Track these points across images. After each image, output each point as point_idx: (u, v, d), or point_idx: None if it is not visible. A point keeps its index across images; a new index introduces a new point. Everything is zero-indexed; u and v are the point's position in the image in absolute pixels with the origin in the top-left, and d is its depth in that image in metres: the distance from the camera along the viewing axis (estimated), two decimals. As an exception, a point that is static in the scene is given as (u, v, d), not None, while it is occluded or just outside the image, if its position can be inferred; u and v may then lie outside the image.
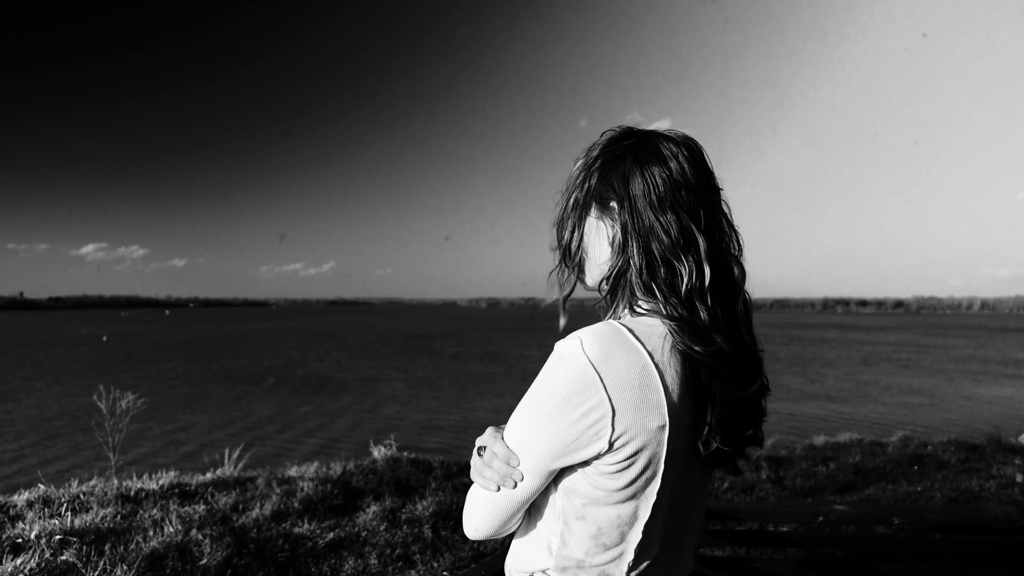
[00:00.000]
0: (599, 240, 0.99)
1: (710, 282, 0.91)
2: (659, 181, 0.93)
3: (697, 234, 0.92)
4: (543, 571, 0.98)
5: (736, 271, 0.97)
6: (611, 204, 0.96)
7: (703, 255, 0.91)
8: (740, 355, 0.91)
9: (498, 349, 55.87)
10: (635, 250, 0.93)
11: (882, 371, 35.15)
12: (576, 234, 1.00)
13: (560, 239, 1.03)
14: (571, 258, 1.02)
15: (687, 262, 0.91)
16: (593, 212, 0.99)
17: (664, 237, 0.91)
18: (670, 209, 0.92)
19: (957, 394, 25.63)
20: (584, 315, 1.03)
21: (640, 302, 0.94)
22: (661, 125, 1.01)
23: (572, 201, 1.01)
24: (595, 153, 1.00)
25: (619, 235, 0.95)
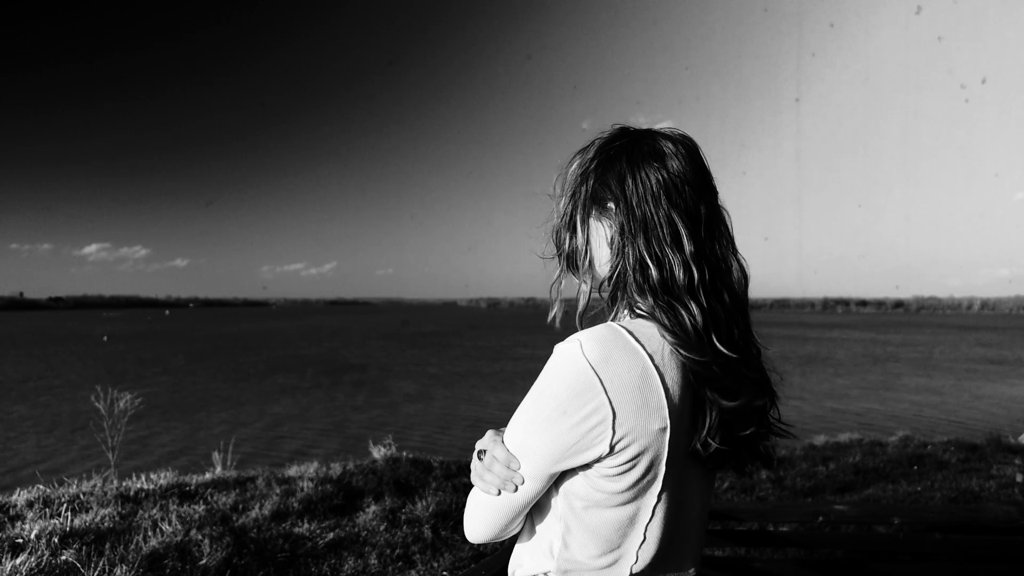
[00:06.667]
0: (599, 241, 0.98)
1: (705, 281, 0.91)
2: (653, 181, 0.93)
3: (690, 233, 0.91)
4: (545, 574, 0.98)
5: (736, 271, 0.97)
6: (608, 205, 0.96)
7: (695, 254, 0.91)
8: (733, 359, 0.90)
9: (502, 347, 55.88)
10: (631, 250, 0.93)
11: (887, 370, 35.14)
12: (577, 237, 1.00)
13: (560, 243, 1.03)
14: (574, 261, 1.01)
15: (679, 261, 0.90)
16: (592, 214, 0.98)
17: (658, 236, 0.91)
18: (665, 208, 0.92)
19: (962, 393, 25.62)
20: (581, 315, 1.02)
21: (639, 303, 0.93)
22: (663, 126, 1.01)
23: (571, 204, 1.00)
24: (590, 155, 1.00)
25: (617, 236, 0.95)
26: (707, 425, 0.90)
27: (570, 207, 1.00)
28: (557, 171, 1.04)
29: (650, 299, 0.91)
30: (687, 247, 0.91)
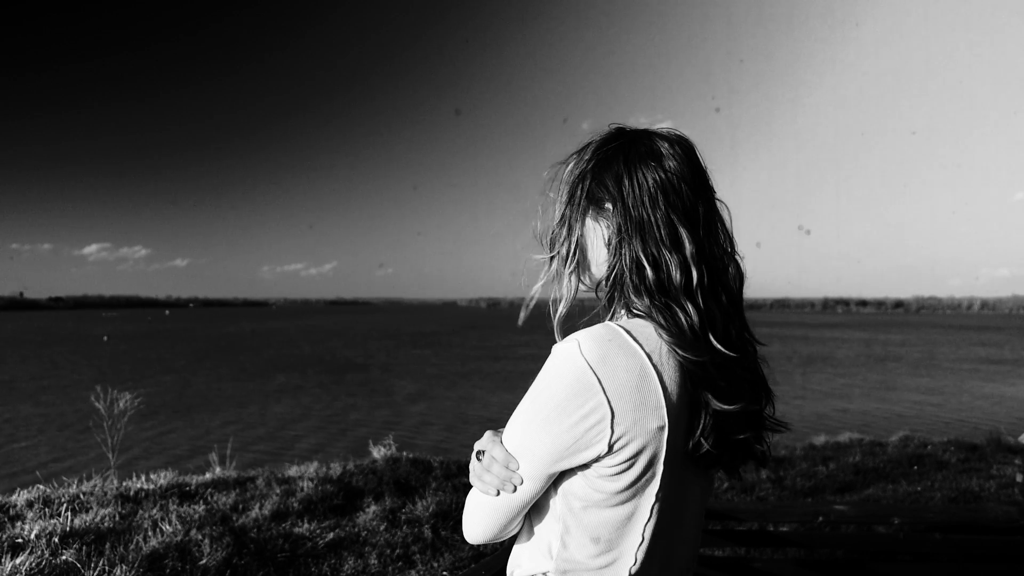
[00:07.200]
0: (596, 242, 0.98)
1: (704, 282, 0.91)
2: (650, 181, 0.93)
3: (687, 233, 0.92)
4: (543, 574, 0.98)
5: (732, 272, 0.97)
6: (605, 205, 0.96)
7: (693, 255, 0.91)
8: (731, 359, 0.91)
9: (502, 347, 55.88)
10: (629, 251, 0.93)
11: (887, 370, 35.14)
12: (573, 237, 0.99)
13: (556, 242, 1.02)
14: (570, 261, 1.01)
15: (677, 262, 0.90)
16: (589, 214, 0.98)
17: (656, 237, 0.91)
18: (662, 208, 0.92)
19: (962, 393, 25.60)
20: (582, 316, 1.02)
21: (636, 304, 0.93)
22: (662, 126, 1.01)
23: (567, 204, 1.00)
24: (587, 155, 1.00)
25: (614, 236, 0.95)
26: (701, 426, 0.90)
27: (566, 207, 1.00)
28: (553, 171, 1.04)
29: (646, 300, 0.91)
30: (687, 248, 0.91)
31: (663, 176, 0.93)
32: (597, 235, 0.98)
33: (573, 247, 1.00)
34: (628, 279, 0.93)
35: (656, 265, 0.91)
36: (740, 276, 0.98)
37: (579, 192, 0.98)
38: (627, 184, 0.94)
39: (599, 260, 0.99)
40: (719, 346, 0.89)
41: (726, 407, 0.89)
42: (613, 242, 0.95)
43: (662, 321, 0.89)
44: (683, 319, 0.88)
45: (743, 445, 0.96)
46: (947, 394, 25.45)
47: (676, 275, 0.90)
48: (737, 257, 0.98)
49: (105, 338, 70.38)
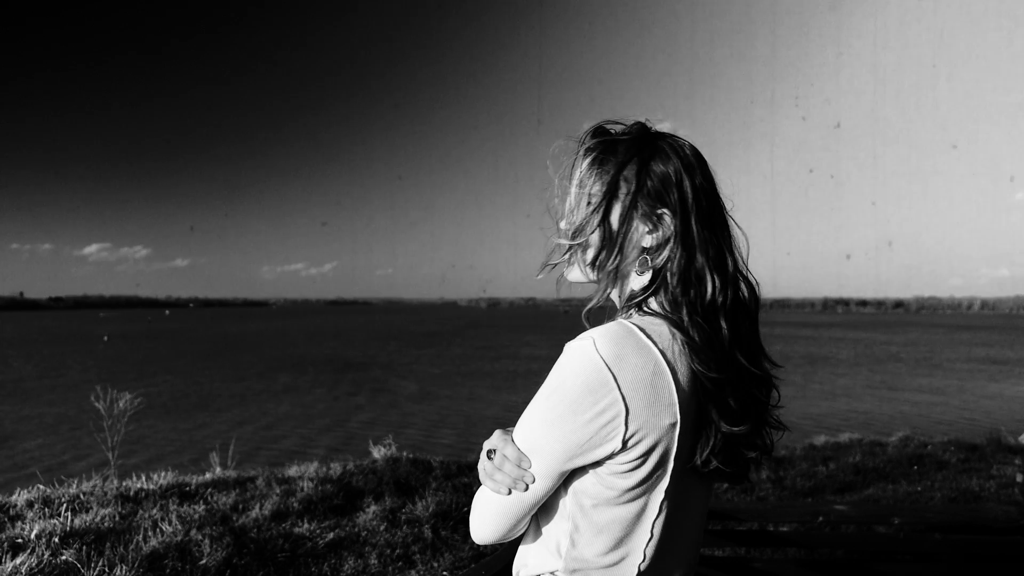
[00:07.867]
0: (633, 244, 0.95)
1: (736, 301, 0.93)
2: (703, 195, 0.93)
3: (728, 252, 0.94)
4: (552, 573, 0.98)
5: (744, 289, 0.96)
6: (660, 211, 0.93)
7: (732, 274, 0.93)
8: (747, 377, 0.92)
9: (502, 347, 55.87)
10: (676, 261, 0.92)
11: (888, 370, 35.15)
12: (609, 231, 0.95)
13: (580, 235, 0.96)
14: (596, 258, 0.96)
15: (719, 280, 0.91)
16: (638, 215, 0.94)
17: (706, 253, 0.92)
18: (712, 226, 0.93)
19: (962, 393, 25.61)
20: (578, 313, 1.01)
21: (651, 303, 0.93)
22: (664, 127, 1.00)
23: (604, 200, 0.94)
24: (623, 154, 0.95)
25: (664, 243, 0.93)
26: (710, 445, 0.90)
27: (604, 203, 0.95)
28: (568, 157, 1.00)
29: (684, 313, 0.90)
30: (728, 266, 0.93)
31: (708, 188, 0.95)
32: (639, 234, 0.95)
33: (606, 244, 0.95)
34: (670, 289, 0.93)
35: (700, 280, 0.91)
36: (756, 299, 0.97)
37: (629, 188, 0.94)
38: (689, 195, 0.93)
39: (630, 259, 0.96)
40: (744, 362, 0.90)
41: (735, 428, 0.90)
42: (663, 249, 0.93)
43: (696, 337, 0.88)
44: (714, 335, 0.89)
45: (751, 461, 0.97)
46: (947, 394, 25.46)
47: (717, 293, 0.91)
48: (750, 277, 0.98)
49: (106, 338, 70.38)
